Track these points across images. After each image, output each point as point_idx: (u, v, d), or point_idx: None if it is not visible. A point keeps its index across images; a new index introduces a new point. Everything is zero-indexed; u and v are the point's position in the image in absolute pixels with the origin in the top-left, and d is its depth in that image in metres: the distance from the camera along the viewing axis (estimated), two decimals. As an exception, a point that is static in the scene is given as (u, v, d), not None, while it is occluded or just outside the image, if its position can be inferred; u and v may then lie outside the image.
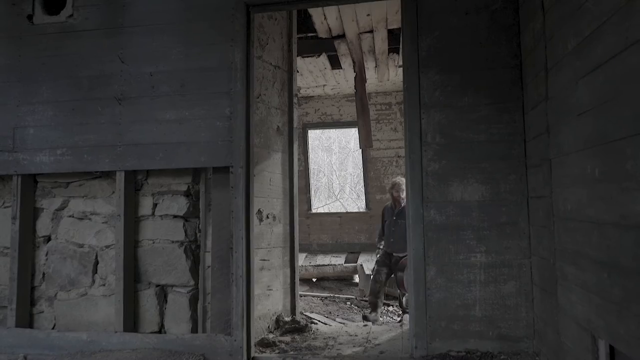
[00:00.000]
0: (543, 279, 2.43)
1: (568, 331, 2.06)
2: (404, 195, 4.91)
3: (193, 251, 3.08)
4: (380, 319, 4.60)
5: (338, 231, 7.92)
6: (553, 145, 2.19)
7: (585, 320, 1.86)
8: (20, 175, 3.14)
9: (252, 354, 2.88)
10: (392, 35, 5.36)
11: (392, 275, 4.84)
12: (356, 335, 3.40)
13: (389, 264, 4.87)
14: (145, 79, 3.04)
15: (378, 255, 5.16)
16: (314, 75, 6.90)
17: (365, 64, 6.14)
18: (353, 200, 14.70)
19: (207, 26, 3.00)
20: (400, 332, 3.39)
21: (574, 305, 1.98)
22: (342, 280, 6.08)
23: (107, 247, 3.13)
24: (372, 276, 4.95)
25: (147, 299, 3.06)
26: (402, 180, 5.06)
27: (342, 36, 5.33)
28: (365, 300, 5.06)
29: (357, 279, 5.27)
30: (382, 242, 5.15)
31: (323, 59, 5.99)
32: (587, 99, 1.80)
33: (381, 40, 5.46)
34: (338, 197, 15.31)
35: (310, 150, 9.06)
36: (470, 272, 2.68)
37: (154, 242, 3.08)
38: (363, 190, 8.94)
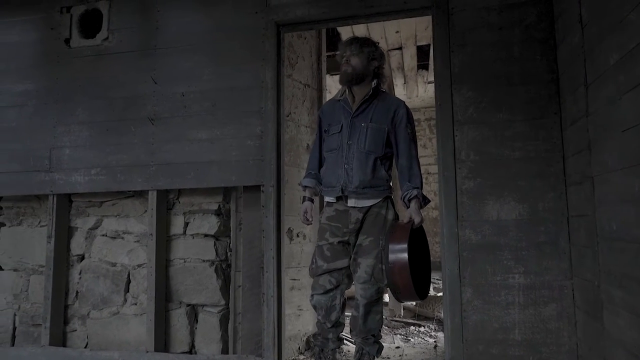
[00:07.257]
0: (587, 302, 2.32)
1: (615, 357, 1.95)
2: (380, 62, 2.60)
3: (224, 270, 3.06)
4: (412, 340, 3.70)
5: (367, 249, 7.80)
6: (595, 163, 2.11)
7: (635, 347, 1.75)
8: (56, 195, 3.20)
9: (283, 376, 2.84)
10: (421, 51, 5.34)
11: (358, 272, 2.38)
12: (388, 358, 3.31)
13: (346, 246, 2.46)
14: (177, 99, 3.08)
15: (311, 219, 2.62)
16: (342, 93, 6.90)
17: (394, 80, 6.13)
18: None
19: (238, 46, 3.03)
20: (434, 356, 3.29)
21: (622, 330, 1.88)
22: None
23: (139, 266, 3.15)
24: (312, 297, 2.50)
25: (178, 318, 3.05)
26: (360, 41, 2.59)
27: (370, 53, 5.32)
28: (397, 320, 4.41)
29: (387, 297, 5.16)
30: (314, 181, 2.65)
31: (351, 77, 5.99)
32: (632, 114, 1.72)
33: (410, 57, 5.44)
34: (366, 214, 15.15)
35: (338, 168, 9.01)
36: (509, 293, 2.58)
37: (185, 261, 3.08)
38: (392, 208, 8.81)
